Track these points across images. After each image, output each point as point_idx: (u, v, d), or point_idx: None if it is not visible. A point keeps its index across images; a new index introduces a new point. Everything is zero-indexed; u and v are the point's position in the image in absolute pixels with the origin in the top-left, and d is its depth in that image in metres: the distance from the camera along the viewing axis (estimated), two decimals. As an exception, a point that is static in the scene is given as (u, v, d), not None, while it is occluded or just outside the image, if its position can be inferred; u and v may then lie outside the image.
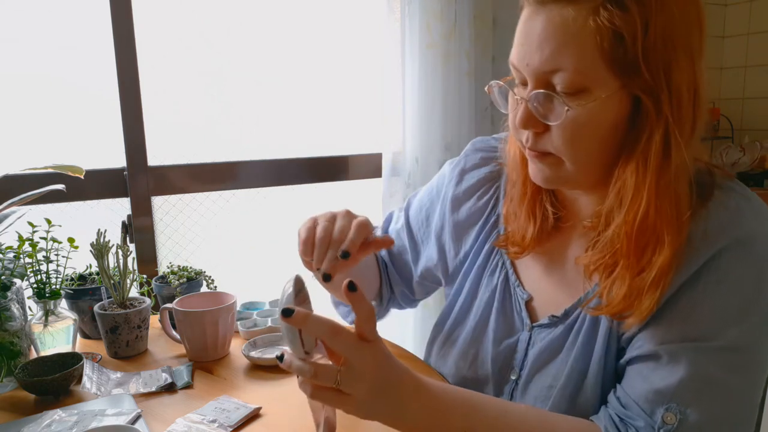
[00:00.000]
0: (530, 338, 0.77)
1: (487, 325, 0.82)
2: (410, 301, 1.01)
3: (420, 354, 0.97)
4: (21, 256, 0.95)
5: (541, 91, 0.63)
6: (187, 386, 0.88)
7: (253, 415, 0.79)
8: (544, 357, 0.75)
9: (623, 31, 0.57)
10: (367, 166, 1.82)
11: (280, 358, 0.59)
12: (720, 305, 0.62)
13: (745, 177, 2.32)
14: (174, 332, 1.01)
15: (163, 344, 1.05)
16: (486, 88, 0.72)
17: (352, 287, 0.58)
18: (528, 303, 0.79)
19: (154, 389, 0.86)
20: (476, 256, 0.87)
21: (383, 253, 0.99)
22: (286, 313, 0.57)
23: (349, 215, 0.72)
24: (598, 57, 0.59)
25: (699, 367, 0.61)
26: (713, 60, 2.60)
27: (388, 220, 1.01)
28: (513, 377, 0.78)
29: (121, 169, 1.47)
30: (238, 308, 1.14)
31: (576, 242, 0.76)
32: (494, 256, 0.85)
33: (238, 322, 1.07)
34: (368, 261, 0.96)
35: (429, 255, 0.93)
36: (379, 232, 1.01)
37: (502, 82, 0.70)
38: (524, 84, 0.66)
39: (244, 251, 1.71)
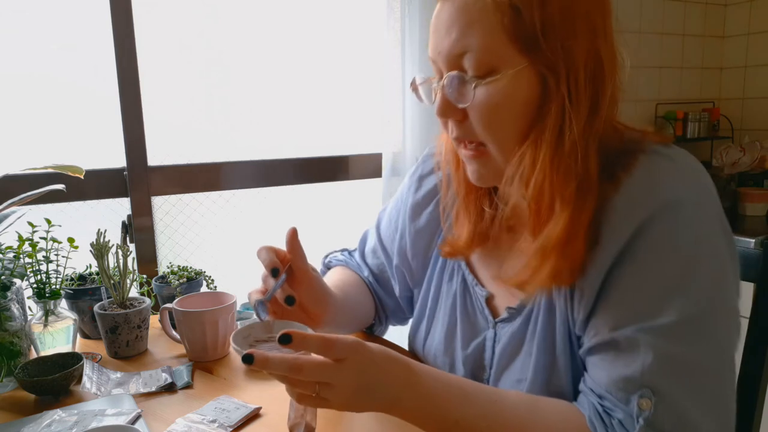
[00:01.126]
0: (495, 335, 0.77)
1: (455, 330, 0.83)
2: (401, 318, 1.01)
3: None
4: (21, 256, 0.95)
5: (453, 73, 0.64)
6: (187, 386, 0.88)
7: (253, 415, 0.79)
8: (508, 351, 0.75)
9: (520, 5, 0.59)
10: (367, 166, 1.82)
11: (248, 358, 0.56)
12: (661, 278, 0.61)
13: (745, 177, 2.32)
14: (174, 332, 1.01)
15: (163, 344, 1.05)
16: (410, 86, 0.74)
17: (284, 339, 0.56)
18: (489, 300, 0.79)
19: (154, 389, 0.86)
20: (435, 263, 0.88)
21: (366, 274, 0.99)
22: (246, 359, 0.55)
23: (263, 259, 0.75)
24: (501, 33, 0.61)
25: (659, 349, 0.60)
26: (713, 60, 2.60)
27: (363, 240, 1.02)
28: (485, 377, 0.78)
29: (121, 169, 1.47)
30: (238, 308, 1.14)
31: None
32: (450, 261, 0.85)
33: (238, 322, 1.07)
34: (358, 286, 0.97)
35: (400, 267, 0.94)
36: (357, 255, 1.03)
37: (425, 78, 0.72)
38: (441, 75, 0.68)
39: (244, 251, 1.71)
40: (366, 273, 0.99)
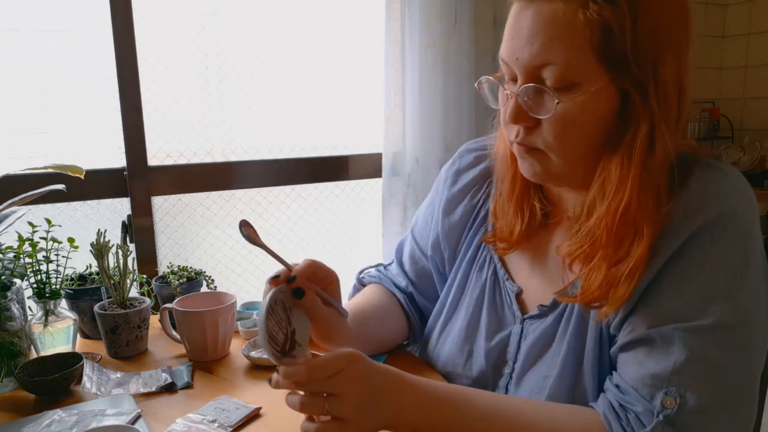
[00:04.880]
0: (522, 330, 0.77)
1: (479, 321, 0.83)
2: None
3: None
4: (21, 256, 0.95)
5: (531, 85, 0.64)
6: (187, 386, 0.88)
7: (253, 415, 0.79)
8: (537, 348, 0.75)
9: (612, 24, 0.58)
10: (367, 166, 1.82)
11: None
12: (706, 283, 0.62)
13: (746, 177, 2.32)
14: (174, 332, 1.01)
15: (163, 344, 1.05)
16: (476, 84, 0.73)
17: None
18: (518, 296, 0.80)
19: (154, 389, 0.86)
20: (465, 252, 0.87)
21: (404, 284, 0.97)
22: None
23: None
24: (588, 50, 0.60)
25: (693, 349, 0.60)
26: (713, 60, 2.60)
27: (399, 250, 1.00)
28: (507, 371, 0.78)
29: (121, 169, 1.47)
30: (238, 308, 1.14)
31: (562, 236, 0.77)
32: (482, 252, 0.85)
33: (238, 322, 1.07)
34: (387, 307, 0.94)
35: (434, 257, 0.93)
36: (394, 267, 1.01)
37: (492, 78, 0.70)
38: (514, 80, 0.67)
39: (244, 251, 1.71)
40: (404, 283, 0.97)
